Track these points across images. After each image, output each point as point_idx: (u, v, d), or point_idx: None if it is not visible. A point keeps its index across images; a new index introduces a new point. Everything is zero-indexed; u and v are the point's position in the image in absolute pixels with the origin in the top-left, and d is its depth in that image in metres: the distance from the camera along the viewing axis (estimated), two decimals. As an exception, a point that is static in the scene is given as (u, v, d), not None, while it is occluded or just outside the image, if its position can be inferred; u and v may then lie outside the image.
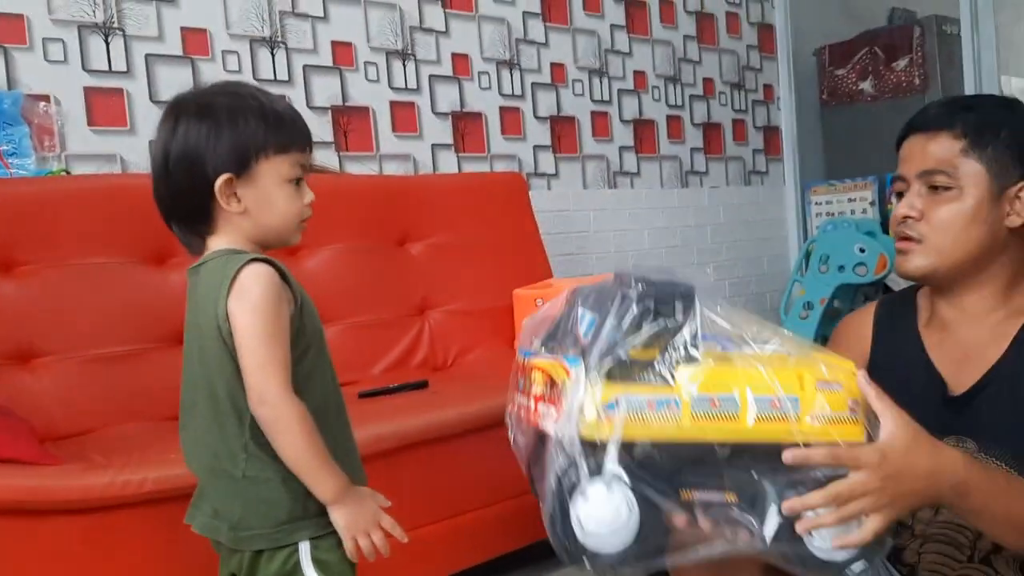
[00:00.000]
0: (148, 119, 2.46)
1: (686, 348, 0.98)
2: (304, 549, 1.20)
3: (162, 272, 2.14)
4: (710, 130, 4.13)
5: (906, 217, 1.26)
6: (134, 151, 2.45)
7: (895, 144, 1.32)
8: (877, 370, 1.38)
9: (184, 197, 1.22)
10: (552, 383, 0.98)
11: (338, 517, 1.19)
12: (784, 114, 4.44)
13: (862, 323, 1.43)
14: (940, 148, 1.23)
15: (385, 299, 2.56)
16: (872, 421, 1.02)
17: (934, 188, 1.24)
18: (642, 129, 3.82)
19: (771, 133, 4.45)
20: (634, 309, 0.97)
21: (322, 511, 1.20)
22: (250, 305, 1.15)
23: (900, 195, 1.30)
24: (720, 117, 4.19)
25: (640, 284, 0.99)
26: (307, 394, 1.19)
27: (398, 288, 2.60)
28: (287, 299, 1.19)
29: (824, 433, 0.98)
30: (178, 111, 1.22)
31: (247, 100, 1.22)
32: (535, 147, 3.40)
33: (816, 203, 4.33)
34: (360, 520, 1.19)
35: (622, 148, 3.74)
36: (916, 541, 1.31)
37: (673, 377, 0.96)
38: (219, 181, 1.19)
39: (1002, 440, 1.22)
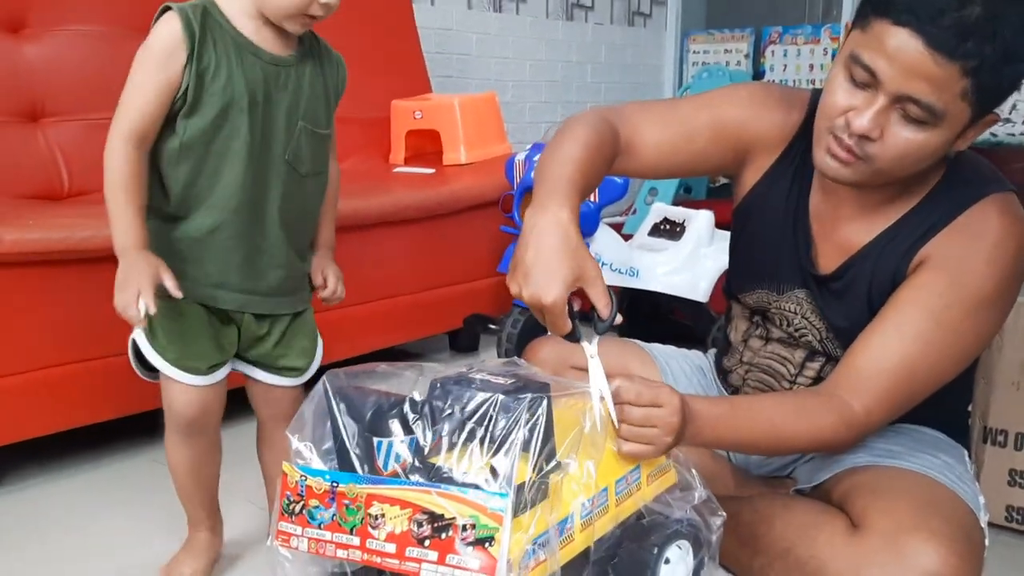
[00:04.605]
0: None
1: (552, 450, 0.90)
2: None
3: (16, 41, 2.00)
4: (598, -40, 4.07)
5: (864, 137, 1.05)
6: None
7: (872, 5, 1.04)
8: (756, 207, 1.31)
9: None
10: (435, 521, 0.85)
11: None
12: (671, -44, 4.42)
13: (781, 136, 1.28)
14: (939, 81, 0.99)
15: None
16: (680, 462, 1.07)
17: (906, 114, 1.03)
18: (530, -50, 3.73)
19: (658, -27, 4.44)
20: (524, 417, 0.85)
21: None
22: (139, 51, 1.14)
23: (855, 83, 1.05)
24: (609, -51, 4.12)
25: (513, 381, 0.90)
26: (179, 166, 1.18)
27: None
28: (175, 54, 1.13)
29: (657, 489, 1.03)
30: None
31: None
32: (418, -45, 3.27)
33: (694, 51, 4.38)
34: (124, 280, 1.12)
35: (508, -32, 3.65)
36: (743, 367, 1.36)
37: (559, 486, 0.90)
38: None
39: (845, 328, 1.22)
